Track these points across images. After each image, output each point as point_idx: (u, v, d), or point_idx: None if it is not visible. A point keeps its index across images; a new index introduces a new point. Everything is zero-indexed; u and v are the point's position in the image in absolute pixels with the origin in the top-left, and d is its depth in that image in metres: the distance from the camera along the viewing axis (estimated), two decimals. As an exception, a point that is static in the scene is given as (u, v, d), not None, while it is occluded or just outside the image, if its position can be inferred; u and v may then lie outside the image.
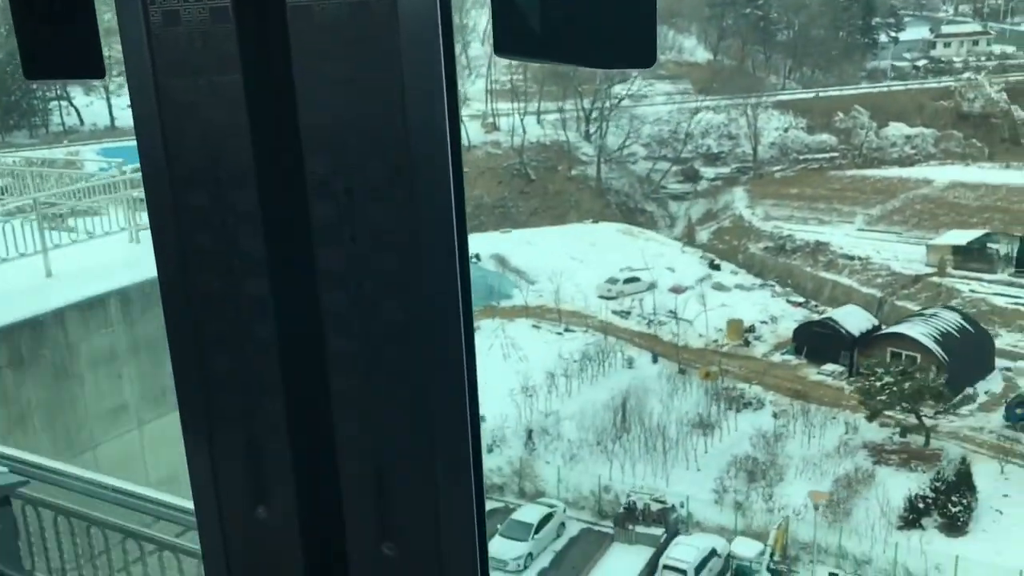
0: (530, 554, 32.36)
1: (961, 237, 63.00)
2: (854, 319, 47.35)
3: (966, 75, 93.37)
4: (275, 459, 1.69)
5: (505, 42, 1.28)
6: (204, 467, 1.76)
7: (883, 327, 46.92)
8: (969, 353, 43.24)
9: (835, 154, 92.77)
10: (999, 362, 46.02)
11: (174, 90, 1.53)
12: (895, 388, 37.04)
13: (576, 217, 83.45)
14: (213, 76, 1.50)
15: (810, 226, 73.58)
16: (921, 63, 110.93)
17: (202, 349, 1.70)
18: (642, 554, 31.17)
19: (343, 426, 1.62)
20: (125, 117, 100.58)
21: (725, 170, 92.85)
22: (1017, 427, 37.44)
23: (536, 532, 32.77)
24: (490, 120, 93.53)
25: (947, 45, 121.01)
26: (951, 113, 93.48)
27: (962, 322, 45.37)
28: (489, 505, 32.26)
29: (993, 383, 43.58)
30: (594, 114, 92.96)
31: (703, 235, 79.50)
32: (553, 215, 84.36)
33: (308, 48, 1.44)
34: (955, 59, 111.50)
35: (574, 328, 51.46)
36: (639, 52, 1.22)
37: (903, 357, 42.42)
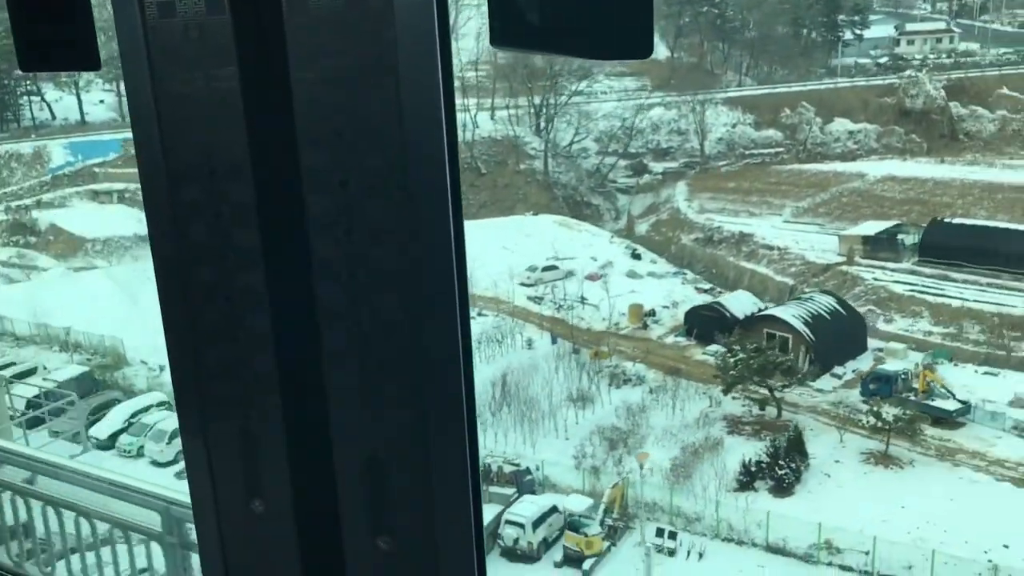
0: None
1: (872, 228, 65.86)
2: (740, 303, 50.40)
3: (907, 72, 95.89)
4: (270, 453, 1.68)
5: (502, 34, 1.26)
6: (200, 460, 1.76)
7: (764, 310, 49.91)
8: (840, 334, 46.19)
9: (780, 149, 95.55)
10: (875, 343, 48.97)
11: (170, 82, 1.53)
12: (746, 364, 40.00)
13: (524, 209, 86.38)
14: (209, 68, 1.50)
15: (740, 218, 76.47)
16: (883, 60, 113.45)
17: (197, 342, 1.69)
18: (492, 511, 34.15)
19: (338, 420, 1.61)
20: (96, 112, 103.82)
21: (673, 165, 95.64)
22: (871, 401, 40.35)
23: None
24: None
25: (911, 43, 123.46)
26: (894, 110, 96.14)
27: (835, 305, 48.35)
28: None
29: (863, 362, 46.51)
30: (544, 110, 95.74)
31: (642, 227, 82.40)
32: (502, 207, 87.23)
33: (304, 41, 1.43)
34: (916, 56, 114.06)
35: (487, 312, 54.44)
36: (636, 43, 1.22)
37: (776, 337, 45.42)
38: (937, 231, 60.92)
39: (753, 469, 35.82)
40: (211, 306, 1.65)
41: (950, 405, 39.57)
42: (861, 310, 53.28)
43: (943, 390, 40.48)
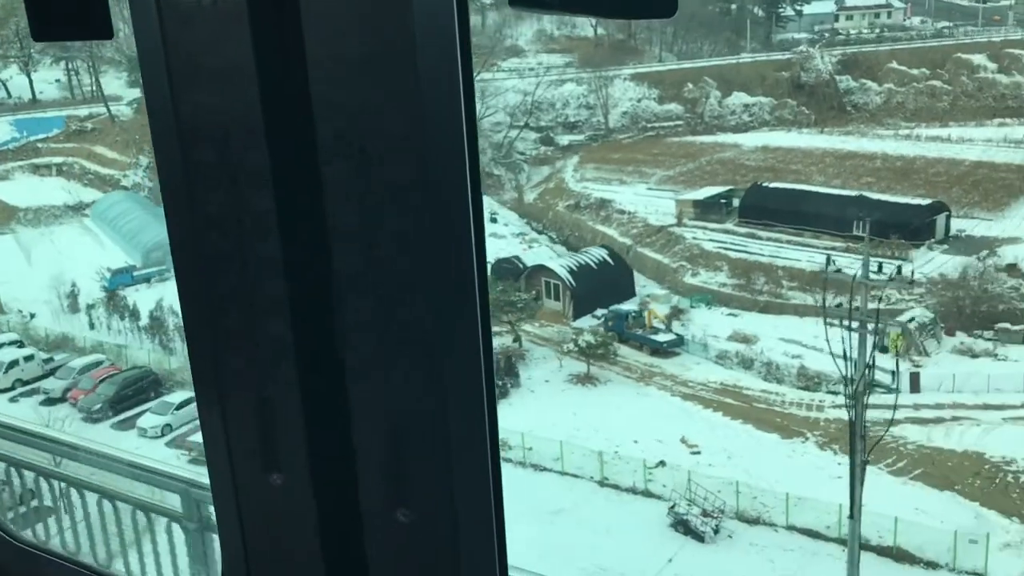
0: (168, 425, 42.65)
1: (705, 193, 72.21)
2: (535, 256, 57.28)
3: (801, 48, 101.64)
4: (288, 425, 1.66)
5: None
6: (217, 433, 1.74)
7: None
8: (606, 281, 52.99)
9: (679, 122, 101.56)
10: (650, 290, 55.77)
11: (183, 49, 1.51)
12: (494, 302, 47.15)
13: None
14: (223, 34, 1.48)
15: (610, 186, 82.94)
16: (827, 35, 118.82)
17: (213, 312, 1.67)
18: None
19: (357, 391, 1.59)
20: (50, 91, 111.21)
21: (580, 137, 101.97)
22: (608, 334, 47.14)
23: (177, 409, 43.01)
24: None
25: (849, 18, 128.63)
26: (788, 83, 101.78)
27: (606, 258, 55.14)
28: (182, 396, 42.81)
29: (631, 305, 53.33)
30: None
31: (531, 196, 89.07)
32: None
33: (320, 9, 1.41)
34: (851, 31, 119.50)
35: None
36: (660, 2, 1.22)
37: (549, 284, 52.34)
38: (755, 194, 67.26)
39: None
40: (226, 274, 1.61)
41: (662, 337, 46.29)
42: (674, 265, 59.98)
43: (661, 325, 47.20)
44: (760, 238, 64.30)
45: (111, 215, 74.35)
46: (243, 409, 1.70)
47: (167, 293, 54.40)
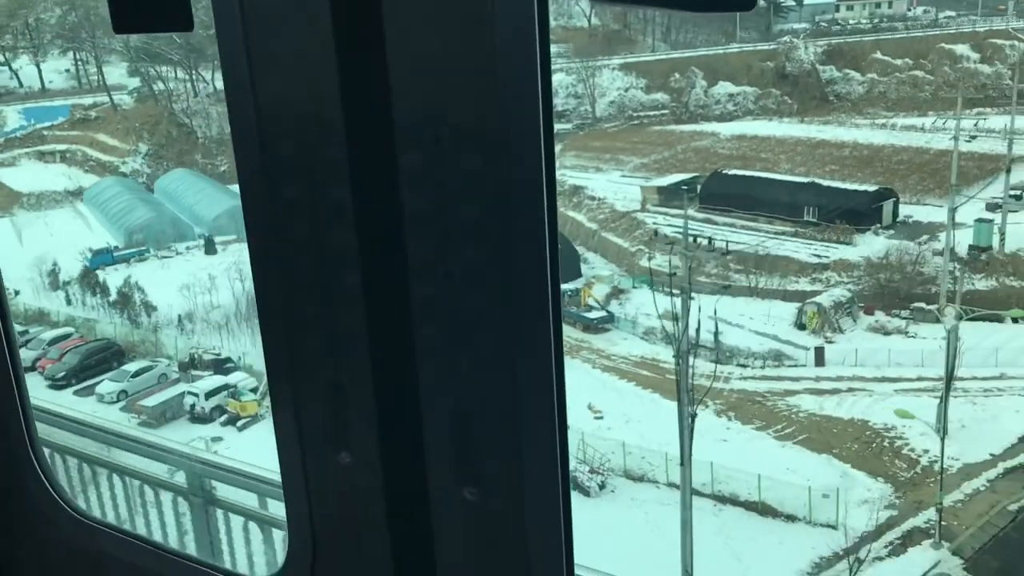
0: (124, 391, 45.97)
1: (670, 180, 74.59)
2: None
3: (786, 38, 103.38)
4: (358, 405, 1.71)
5: None
6: (288, 413, 1.79)
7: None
8: (552, 262, 55.82)
9: (665, 111, 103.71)
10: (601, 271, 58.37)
11: (262, 40, 1.53)
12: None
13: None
14: (302, 26, 1.49)
15: (586, 173, 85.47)
16: (824, 25, 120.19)
17: (288, 297, 1.71)
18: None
19: (426, 372, 1.64)
20: (59, 80, 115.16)
21: (568, 126, 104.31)
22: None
23: (133, 376, 46.28)
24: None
25: (850, 8, 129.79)
26: (773, 73, 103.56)
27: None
28: (139, 366, 46.26)
29: (571, 285, 55.92)
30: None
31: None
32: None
33: (401, 4, 1.41)
34: (850, 21, 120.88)
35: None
36: None
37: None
38: (715, 181, 69.62)
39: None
40: (302, 262, 1.65)
41: (593, 315, 48.93)
42: (632, 249, 62.50)
43: (595, 304, 49.84)
44: (716, 223, 66.62)
45: (102, 199, 78.05)
46: (314, 392, 1.70)
47: (139, 272, 57.88)
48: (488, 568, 1.70)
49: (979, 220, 56.93)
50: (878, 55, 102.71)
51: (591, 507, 33.79)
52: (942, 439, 32.86)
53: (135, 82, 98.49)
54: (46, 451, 2.55)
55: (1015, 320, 40.70)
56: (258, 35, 1.55)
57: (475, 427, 1.62)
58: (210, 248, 63.54)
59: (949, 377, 34.96)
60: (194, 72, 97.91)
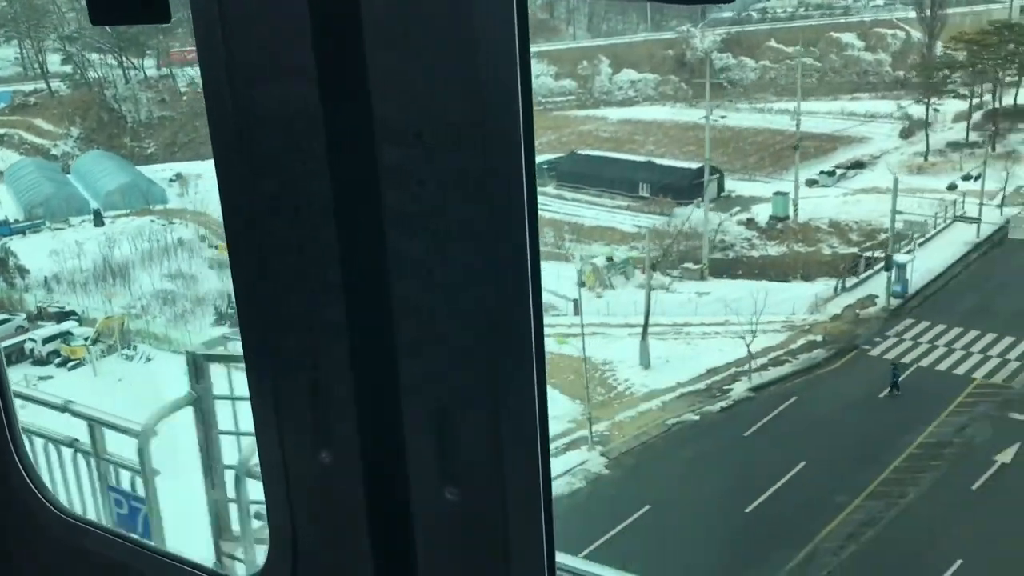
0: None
1: (538, 160, 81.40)
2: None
3: (684, 28, 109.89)
4: (339, 404, 1.71)
5: None
6: (268, 411, 1.78)
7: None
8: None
9: (572, 97, 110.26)
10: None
11: (242, 38, 1.53)
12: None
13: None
14: (280, 20, 1.49)
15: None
16: (754, 14, 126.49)
17: (268, 294, 1.71)
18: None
19: (407, 371, 1.63)
20: (7, 68, 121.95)
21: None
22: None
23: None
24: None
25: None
26: (673, 61, 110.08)
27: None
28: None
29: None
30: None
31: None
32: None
33: (381, 2, 1.39)
34: (778, 9, 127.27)
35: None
36: None
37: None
38: (569, 161, 76.46)
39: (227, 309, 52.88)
40: (282, 259, 1.65)
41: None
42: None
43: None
44: (566, 199, 73.44)
45: (16, 178, 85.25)
46: (294, 389, 1.74)
47: (27, 242, 64.99)
48: (469, 567, 1.71)
49: (777, 193, 63.65)
50: (772, 43, 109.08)
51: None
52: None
53: (68, 68, 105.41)
54: None
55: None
56: (236, 31, 1.56)
57: (456, 426, 1.62)
58: (98, 221, 70.48)
59: (646, 320, 41.97)
60: (125, 60, 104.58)
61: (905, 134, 77.55)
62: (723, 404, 39.26)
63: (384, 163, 1.53)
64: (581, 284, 52.41)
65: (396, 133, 1.51)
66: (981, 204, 57.75)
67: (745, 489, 32.01)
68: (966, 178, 64.70)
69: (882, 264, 49.93)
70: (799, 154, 73.63)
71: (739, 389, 40.30)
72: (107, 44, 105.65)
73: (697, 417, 38.54)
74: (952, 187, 63.66)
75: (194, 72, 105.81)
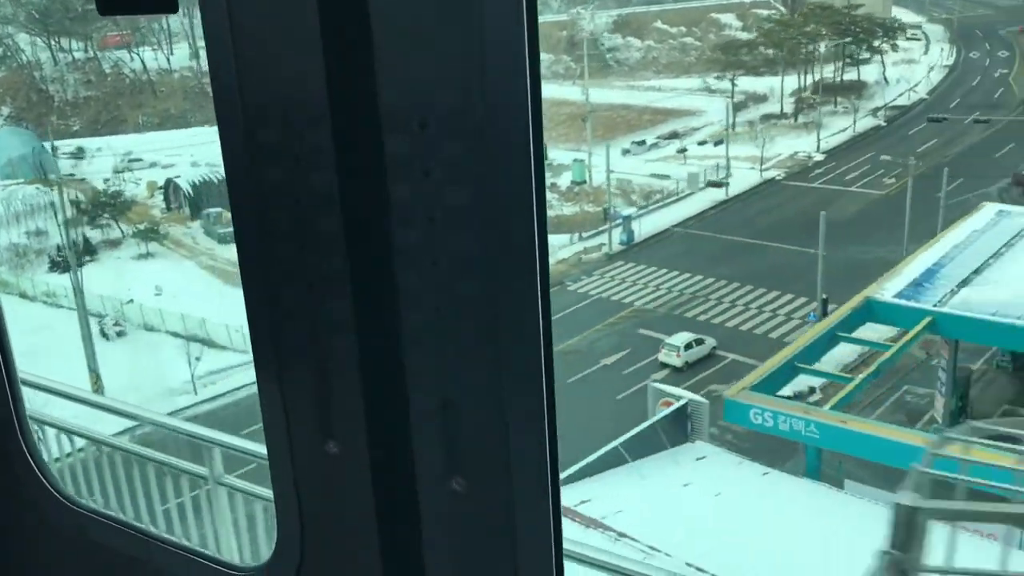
0: None
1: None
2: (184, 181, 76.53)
3: (576, 9, 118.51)
4: (346, 394, 1.72)
5: None
6: (275, 402, 1.80)
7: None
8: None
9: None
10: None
11: (247, 20, 1.55)
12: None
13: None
14: (288, 12, 1.50)
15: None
16: None
17: (274, 283, 1.72)
18: None
19: (414, 361, 1.63)
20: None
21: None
22: (203, 227, 66.02)
23: None
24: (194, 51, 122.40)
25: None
26: (566, 41, 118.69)
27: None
28: None
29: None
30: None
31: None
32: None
33: None
34: None
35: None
36: None
37: (180, 194, 71.40)
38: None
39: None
40: (287, 248, 1.66)
41: (222, 230, 65.20)
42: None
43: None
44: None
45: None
46: (301, 379, 1.76)
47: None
48: (476, 558, 1.74)
49: (576, 160, 72.44)
50: (659, 24, 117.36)
51: (108, 345, 50.20)
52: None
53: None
54: None
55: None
56: (243, 19, 1.57)
57: (463, 417, 1.63)
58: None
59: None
60: (54, 43, 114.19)
61: (739, 108, 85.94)
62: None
63: (390, 153, 1.53)
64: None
65: (402, 123, 1.50)
66: (728, 168, 66.58)
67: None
68: (717, 143, 73.37)
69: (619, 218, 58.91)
70: (628, 124, 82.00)
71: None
72: (36, 28, 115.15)
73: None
74: (682, 151, 72.12)
75: (119, 55, 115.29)
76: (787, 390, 30.36)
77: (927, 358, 38.30)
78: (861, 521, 16.96)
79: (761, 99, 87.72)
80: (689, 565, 20.38)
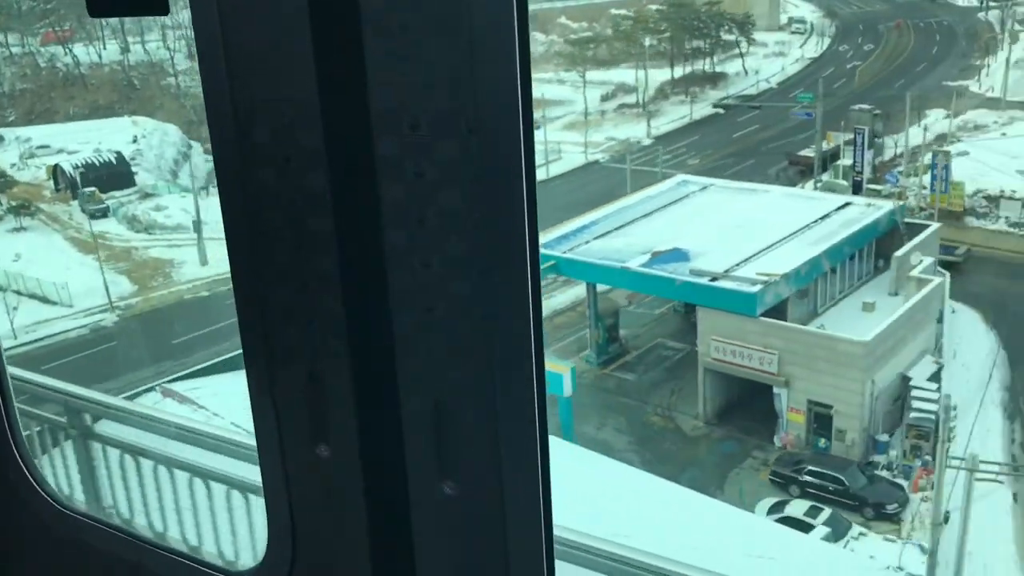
0: None
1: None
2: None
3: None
4: (337, 397, 1.73)
5: None
6: (266, 405, 1.81)
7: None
8: (111, 175, 79.83)
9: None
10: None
11: (237, 21, 1.56)
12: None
13: (163, 115, 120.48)
14: (279, 13, 1.51)
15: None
16: None
17: (266, 285, 1.73)
18: None
19: (405, 364, 1.65)
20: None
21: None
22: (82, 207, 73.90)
23: None
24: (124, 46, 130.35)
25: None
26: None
27: (111, 159, 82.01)
28: None
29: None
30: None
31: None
32: (145, 111, 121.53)
33: None
34: None
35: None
36: None
37: (65, 175, 79.38)
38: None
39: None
40: (279, 249, 1.67)
41: (93, 207, 73.13)
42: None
43: (103, 204, 74.08)
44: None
45: None
46: (293, 382, 1.77)
47: None
48: (467, 562, 1.74)
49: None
50: (562, 20, 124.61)
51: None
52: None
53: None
54: None
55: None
56: (234, 20, 1.57)
57: (454, 420, 1.64)
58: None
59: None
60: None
61: (606, 98, 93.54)
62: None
63: (381, 154, 1.54)
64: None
65: (393, 125, 1.51)
66: (559, 151, 74.22)
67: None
68: (566, 129, 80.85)
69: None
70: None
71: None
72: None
73: (207, 293, 55.57)
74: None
75: (55, 50, 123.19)
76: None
77: (628, 304, 45.78)
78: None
79: (631, 90, 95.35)
80: (236, 425, 28.23)
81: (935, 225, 42.00)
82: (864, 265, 39.44)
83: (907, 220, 41.96)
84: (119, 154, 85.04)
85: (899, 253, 37.36)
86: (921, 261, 36.86)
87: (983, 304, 43.83)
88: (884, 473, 32.68)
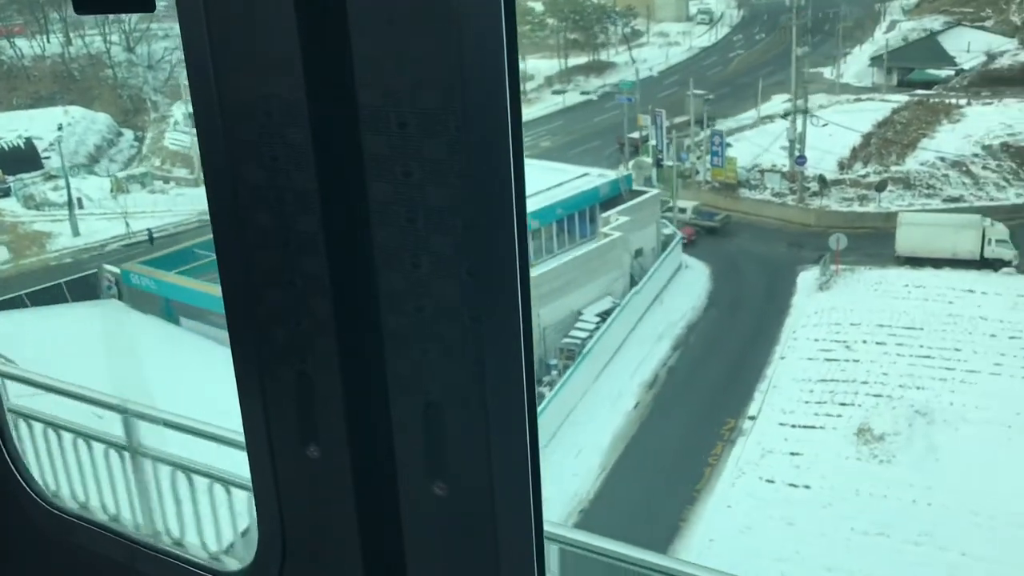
0: None
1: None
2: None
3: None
4: (327, 398, 1.74)
5: None
6: (255, 405, 1.81)
7: None
8: (22, 159, 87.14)
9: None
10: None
11: (225, 26, 1.58)
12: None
13: (100, 105, 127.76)
14: (266, 11, 1.52)
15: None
16: None
17: (254, 286, 1.74)
18: None
19: (395, 365, 1.66)
20: None
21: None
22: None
23: None
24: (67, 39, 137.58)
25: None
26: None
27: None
28: None
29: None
30: (135, 35, 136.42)
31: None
32: (82, 102, 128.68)
33: None
34: None
35: None
36: None
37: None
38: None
39: None
40: (267, 250, 1.68)
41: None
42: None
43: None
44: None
45: None
46: (282, 383, 1.77)
47: None
48: (458, 562, 1.75)
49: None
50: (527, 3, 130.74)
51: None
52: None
53: None
54: None
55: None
56: (220, 16, 1.58)
57: (444, 421, 1.65)
58: None
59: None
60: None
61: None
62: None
63: (369, 153, 1.54)
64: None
65: (381, 123, 1.51)
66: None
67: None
68: None
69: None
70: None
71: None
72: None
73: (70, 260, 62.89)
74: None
75: (3, 44, 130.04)
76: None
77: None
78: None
79: (528, 78, 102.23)
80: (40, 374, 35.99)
81: (653, 191, 48.81)
82: (587, 227, 46.27)
83: (682, 193, 47.97)
84: (28, 140, 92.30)
85: (604, 214, 44.21)
86: (618, 219, 43.73)
87: (720, 262, 50.66)
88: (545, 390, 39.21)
